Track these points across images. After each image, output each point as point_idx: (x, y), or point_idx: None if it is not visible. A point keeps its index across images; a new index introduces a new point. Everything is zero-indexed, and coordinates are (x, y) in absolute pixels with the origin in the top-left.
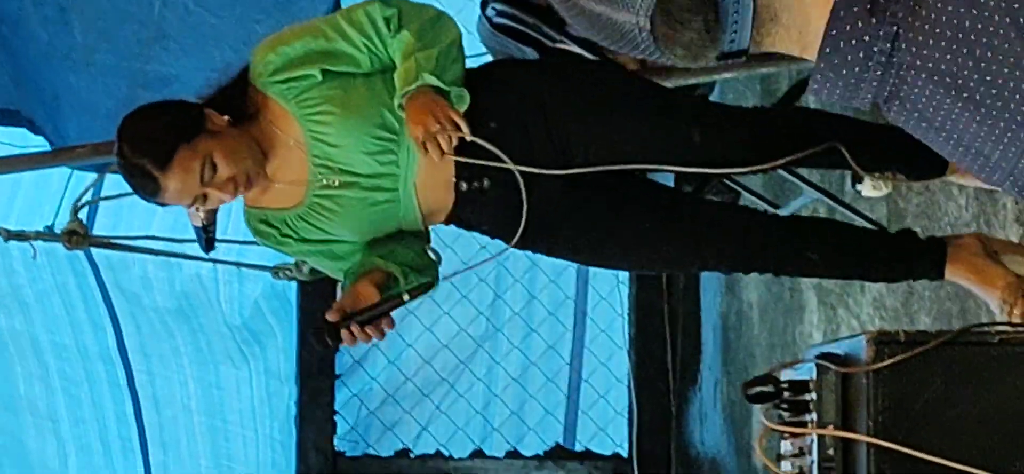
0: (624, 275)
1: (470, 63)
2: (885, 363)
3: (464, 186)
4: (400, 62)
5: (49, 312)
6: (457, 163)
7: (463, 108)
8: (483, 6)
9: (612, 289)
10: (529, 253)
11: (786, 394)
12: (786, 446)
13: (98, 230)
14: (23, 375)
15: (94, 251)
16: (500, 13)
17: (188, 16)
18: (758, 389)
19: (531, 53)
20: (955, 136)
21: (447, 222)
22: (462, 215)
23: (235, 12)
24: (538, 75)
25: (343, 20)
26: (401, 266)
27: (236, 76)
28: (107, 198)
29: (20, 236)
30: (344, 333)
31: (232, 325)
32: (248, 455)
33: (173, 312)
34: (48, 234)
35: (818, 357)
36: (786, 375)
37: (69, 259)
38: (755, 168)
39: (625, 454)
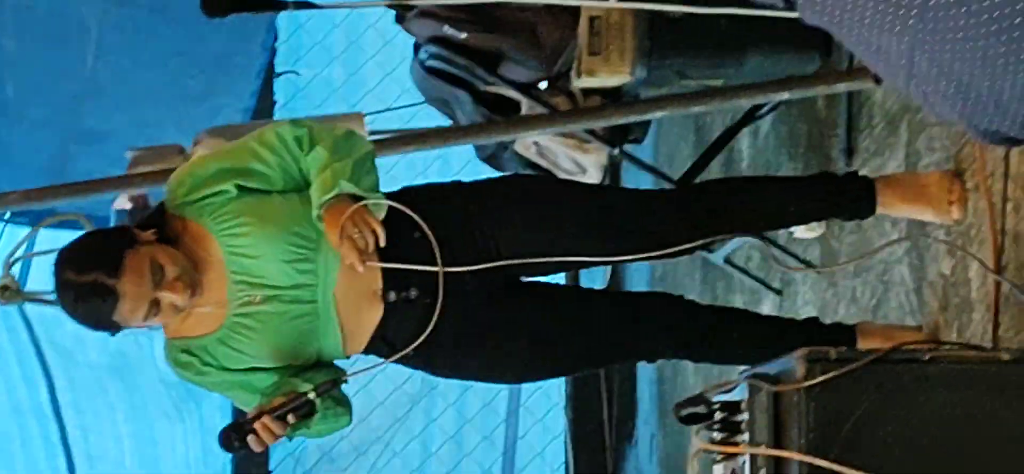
0: None
1: (405, 113)
2: (816, 380)
3: (392, 296)
4: (316, 176)
5: None
6: (384, 274)
7: (381, 214)
8: (416, 50)
9: None
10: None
11: (718, 414)
12: (718, 470)
13: (31, 286)
14: None
15: (27, 307)
16: (433, 56)
17: (121, 70)
18: (690, 410)
19: (464, 96)
20: (855, 32)
21: (368, 348)
22: (387, 332)
23: (169, 68)
24: (459, 189)
25: (254, 141)
26: (316, 391)
27: (153, 209)
28: (40, 253)
29: None
30: (251, 438)
31: (167, 381)
32: None
33: (107, 368)
34: None
35: (750, 377)
36: (718, 396)
37: (1, 315)
38: (678, 250)
39: None
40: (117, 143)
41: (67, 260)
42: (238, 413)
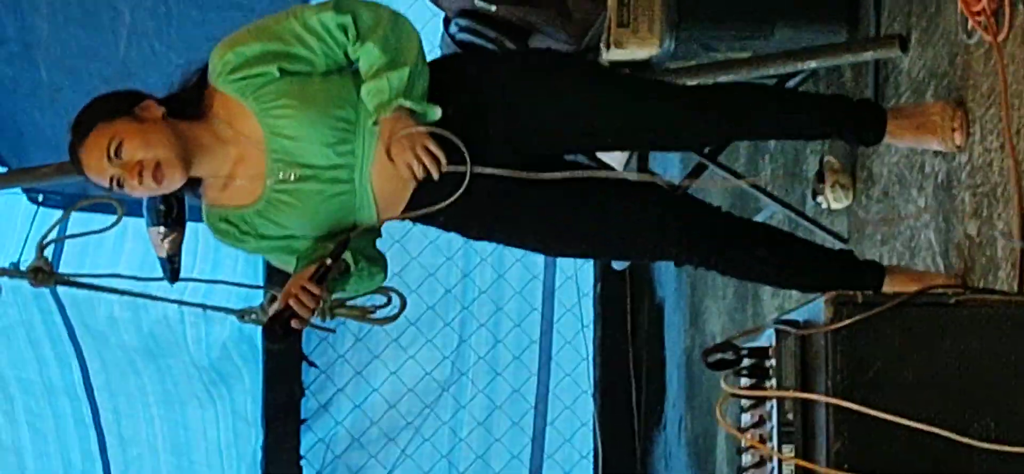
0: (589, 318)
1: None
2: (843, 323)
3: None
4: (369, 74)
5: (15, 348)
6: None
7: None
8: (446, 24)
9: (577, 333)
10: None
11: (746, 360)
12: (746, 418)
13: (64, 268)
14: None
15: (60, 289)
16: (463, 29)
17: (153, 55)
18: (718, 356)
19: None
20: None
21: (402, 215)
22: (421, 204)
23: (200, 52)
24: (496, 63)
25: (298, 25)
26: (352, 251)
27: (194, 75)
28: (73, 236)
29: None
30: (293, 321)
31: (199, 366)
32: None
33: (140, 351)
34: (13, 271)
35: (778, 322)
36: (746, 343)
37: (35, 296)
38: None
39: None
40: None
41: (78, 113)
42: (270, 390)
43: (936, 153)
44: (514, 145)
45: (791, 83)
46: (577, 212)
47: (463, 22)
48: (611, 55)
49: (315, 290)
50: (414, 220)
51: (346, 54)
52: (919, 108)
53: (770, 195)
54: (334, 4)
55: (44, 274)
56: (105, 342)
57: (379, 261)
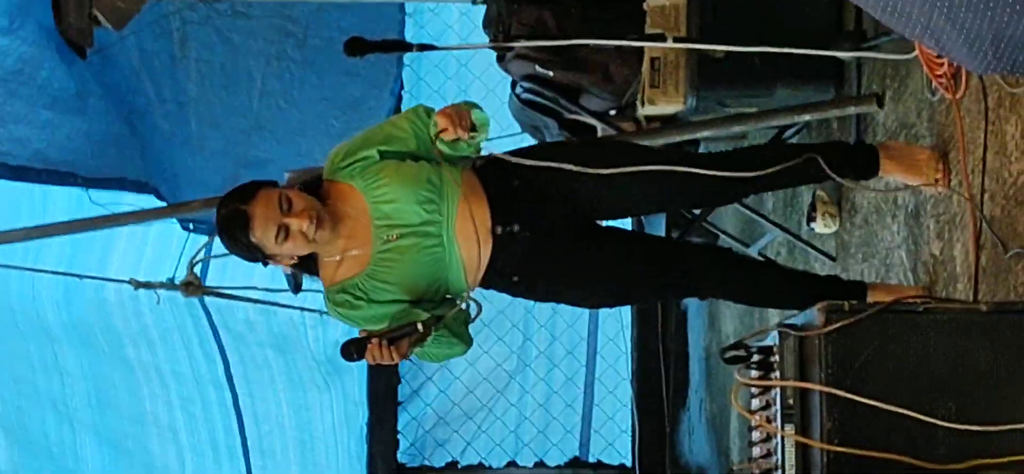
0: (627, 320)
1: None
2: (834, 327)
3: (499, 230)
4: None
5: (170, 346)
6: (493, 213)
7: (487, 131)
8: (513, 87)
9: (617, 332)
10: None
11: (755, 357)
12: (755, 402)
13: (209, 282)
14: (149, 396)
15: (206, 299)
16: (527, 90)
17: (280, 111)
18: (733, 352)
19: (552, 122)
20: None
21: (484, 282)
22: (497, 263)
23: (316, 109)
24: (550, 150)
25: (392, 118)
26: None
27: (312, 181)
28: (217, 256)
29: (147, 285)
30: (369, 349)
31: (318, 360)
32: (329, 463)
33: (270, 347)
34: (169, 284)
35: (781, 326)
36: (755, 342)
37: (186, 305)
38: (754, 175)
39: (629, 464)
40: (276, 168)
41: (220, 202)
42: (373, 380)
43: (907, 187)
44: (569, 207)
45: (788, 133)
46: (626, 271)
47: (527, 85)
48: (645, 110)
49: (394, 352)
50: (494, 277)
51: (429, 136)
52: (910, 151)
53: (772, 222)
54: None
55: (194, 287)
56: (243, 341)
57: (463, 338)
